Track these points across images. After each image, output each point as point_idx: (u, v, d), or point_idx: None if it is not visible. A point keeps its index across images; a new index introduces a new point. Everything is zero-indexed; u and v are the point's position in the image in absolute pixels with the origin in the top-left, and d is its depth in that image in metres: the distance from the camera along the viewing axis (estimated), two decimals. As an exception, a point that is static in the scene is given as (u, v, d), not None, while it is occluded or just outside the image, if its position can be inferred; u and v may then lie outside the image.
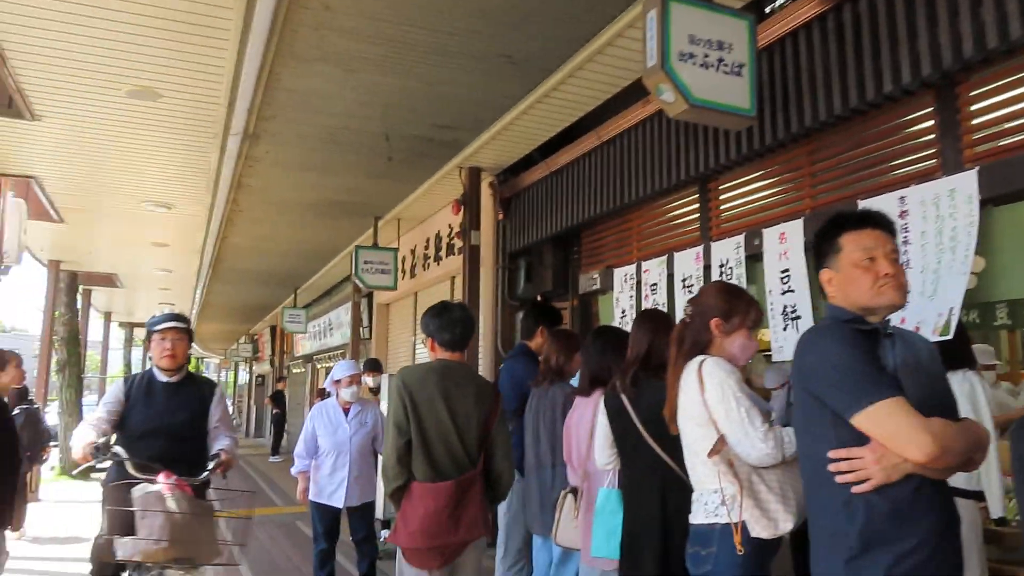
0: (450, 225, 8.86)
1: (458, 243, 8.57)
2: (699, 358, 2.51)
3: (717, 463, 2.40)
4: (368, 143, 6.66)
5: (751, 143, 4.57)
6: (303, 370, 21.74)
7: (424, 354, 10.58)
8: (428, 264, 9.80)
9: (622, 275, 6.11)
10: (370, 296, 12.81)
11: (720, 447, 2.38)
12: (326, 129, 6.36)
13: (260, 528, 8.65)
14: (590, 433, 3.38)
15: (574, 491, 3.51)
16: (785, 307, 4.39)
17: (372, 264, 9.57)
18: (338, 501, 5.22)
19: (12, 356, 4.51)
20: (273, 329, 24.04)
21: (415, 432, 3.09)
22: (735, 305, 2.61)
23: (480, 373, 7.33)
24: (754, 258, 4.72)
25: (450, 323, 3.30)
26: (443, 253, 9.19)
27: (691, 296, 2.88)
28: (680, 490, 2.84)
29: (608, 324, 5.67)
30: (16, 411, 8.29)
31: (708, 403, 2.42)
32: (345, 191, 8.43)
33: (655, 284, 5.70)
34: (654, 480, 2.87)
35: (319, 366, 19.53)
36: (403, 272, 10.25)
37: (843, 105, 3.94)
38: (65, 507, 10.55)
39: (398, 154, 6.93)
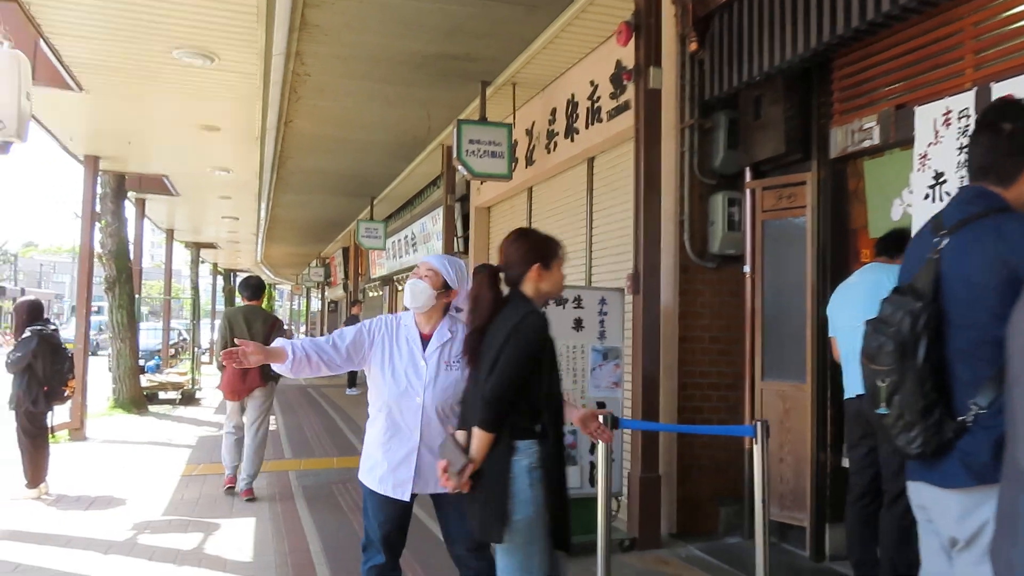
0: (592, 83, 6.40)
1: (607, 105, 6.12)
2: None
3: None
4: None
5: None
6: (380, 293, 19.80)
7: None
8: (555, 144, 7.37)
9: (937, 113, 3.64)
10: (464, 200, 10.50)
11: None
12: None
13: (333, 488, 6.60)
14: None
15: None
16: None
17: (479, 145, 7.22)
18: (402, 493, 2.96)
19: None
20: (346, 251, 22.11)
21: (230, 339, 6.01)
22: None
23: (663, 286, 4.96)
24: None
25: (249, 287, 6.58)
26: (580, 124, 6.73)
27: None
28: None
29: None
30: (27, 332, 6.34)
31: None
32: (446, 35, 6.03)
33: None
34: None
35: (400, 287, 17.52)
36: (515, 160, 7.87)
37: None
38: (111, 449, 8.76)
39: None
